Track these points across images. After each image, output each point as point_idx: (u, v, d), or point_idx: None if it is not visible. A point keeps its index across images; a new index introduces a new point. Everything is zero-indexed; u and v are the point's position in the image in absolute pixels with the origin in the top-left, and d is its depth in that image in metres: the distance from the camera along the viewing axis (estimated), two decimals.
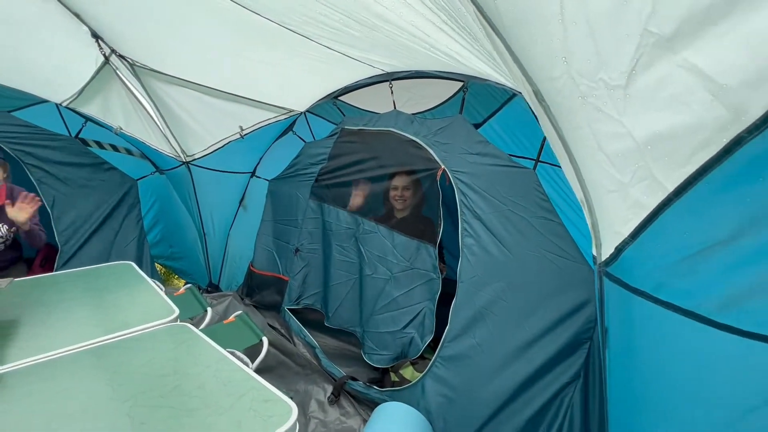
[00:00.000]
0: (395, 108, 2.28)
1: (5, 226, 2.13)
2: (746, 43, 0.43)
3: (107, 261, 2.42)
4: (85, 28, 1.98)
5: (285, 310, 2.79)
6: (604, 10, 0.51)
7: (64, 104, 2.79)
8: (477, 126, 1.96)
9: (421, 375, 1.88)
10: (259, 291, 3.11)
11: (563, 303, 1.55)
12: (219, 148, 2.99)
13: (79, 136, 2.97)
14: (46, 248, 2.65)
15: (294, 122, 2.96)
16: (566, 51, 0.59)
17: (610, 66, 0.56)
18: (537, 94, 0.72)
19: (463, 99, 1.89)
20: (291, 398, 1.00)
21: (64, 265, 2.69)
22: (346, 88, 2.51)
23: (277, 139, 3.11)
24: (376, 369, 2.29)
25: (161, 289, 1.79)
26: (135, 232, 3.06)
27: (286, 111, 2.80)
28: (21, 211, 2.02)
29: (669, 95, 0.53)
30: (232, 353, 1.24)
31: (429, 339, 2.01)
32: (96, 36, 2.03)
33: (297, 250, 2.84)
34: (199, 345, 1.25)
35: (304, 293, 2.80)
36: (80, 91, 2.55)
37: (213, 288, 3.50)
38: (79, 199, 2.85)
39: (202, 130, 2.84)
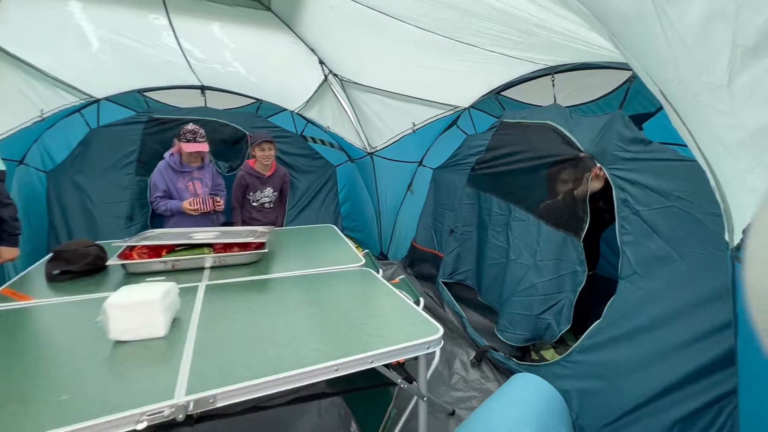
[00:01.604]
0: (555, 101, 2.33)
1: (271, 189, 3.16)
2: None
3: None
4: (316, 58, 2.80)
5: (439, 282, 3.20)
6: (695, 31, 0.62)
7: (295, 111, 3.89)
8: (647, 117, 1.87)
9: (562, 356, 1.98)
10: (419, 263, 3.64)
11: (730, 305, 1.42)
12: (395, 142, 3.60)
13: (303, 134, 4.08)
14: None
15: (458, 117, 3.29)
16: (673, 60, 0.70)
17: (710, 70, 0.65)
18: (661, 92, 0.82)
19: (627, 90, 1.83)
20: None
21: (289, 224, 3.81)
22: (508, 83, 2.68)
23: (442, 133, 3.51)
24: (518, 348, 2.45)
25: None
26: (333, 206, 4.02)
27: (451, 107, 3.16)
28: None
29: (764, 92, 0.60)
30: (400, 291, 1.69)
31: (565, 329, 2.07)
32: (321, 62, 2.84)
33: (452, 231, 3.20)
34: (379, 283, 1.76)
35: (457, 270, 3.14)
36: (307, 102, 3.54)
37: (382, 257, 4.24)
38: (303, 180, 3.94)
39: (384, 127, 3.49)
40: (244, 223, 3.08)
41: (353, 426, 1.94)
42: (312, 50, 2.70)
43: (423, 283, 3.46)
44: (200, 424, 1.15)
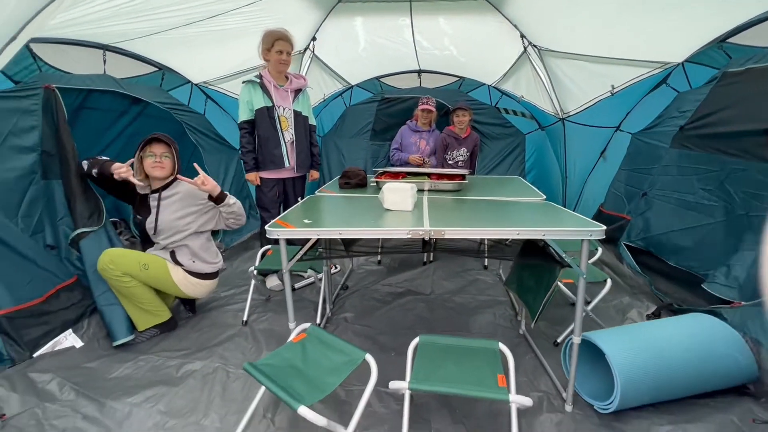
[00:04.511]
0: None
1: (465, 149, 3.81)
2: None
3: None
4: (518, 32, 3.24)
5: (621, 244, 3.19)
6: None
7: (492, 85, 4.41)
8: None
9: (752, 302, 1.89)
10: None
11: None
12: (590, 106, 3.66)
13: (496, 105, 4.57)
14: None
15: (669, 74, 3.10)
16: None
17: None
18: None
19: None
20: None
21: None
22: (737, 27, 2.45)
23: (647, 94, 3.35)
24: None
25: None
26: (518, 171, 4.40)
27: (660, 64, 3.02)
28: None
29: None
30: None
31: None
32: (522, 36, 3.26)
33: (644, 194, 3.11)
34: (558, 208, 2.16)
35: (642, 234, 3.07)
36: (504, 75, 4.00)
37: None
38: (492, 145, 4.48)
39: (579, 91, 3.61)
40: None
41: (522, 329, 2.44)
42: (515, 26, 3.16)
43: (605, 245, 3.48)
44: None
